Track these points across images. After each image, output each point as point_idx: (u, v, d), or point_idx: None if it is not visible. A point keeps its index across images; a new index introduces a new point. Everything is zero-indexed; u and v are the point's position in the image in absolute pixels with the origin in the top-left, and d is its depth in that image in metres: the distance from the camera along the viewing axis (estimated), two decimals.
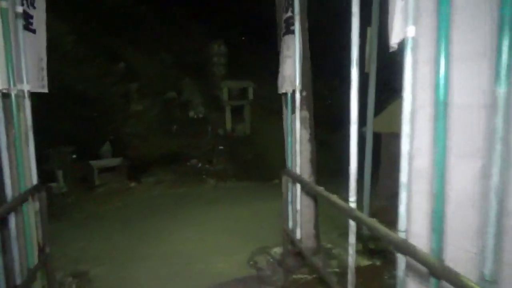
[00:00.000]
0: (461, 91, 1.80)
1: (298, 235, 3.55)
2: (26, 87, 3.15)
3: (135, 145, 11.27)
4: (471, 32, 1.78)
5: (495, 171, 1.40)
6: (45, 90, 3.54)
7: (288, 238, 3.76)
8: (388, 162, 6.18)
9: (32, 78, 3.26)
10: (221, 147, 12.24)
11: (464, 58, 1.80)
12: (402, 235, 1.87)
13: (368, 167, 4.86)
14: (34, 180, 3.28)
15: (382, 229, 1.89)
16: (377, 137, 5.39)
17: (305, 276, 4.01)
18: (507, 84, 1.36)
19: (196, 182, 10.22)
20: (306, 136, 4.24)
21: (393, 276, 3.71)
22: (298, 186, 3.52)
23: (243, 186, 9.99)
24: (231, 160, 11.72)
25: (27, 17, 3.15)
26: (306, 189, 3.74)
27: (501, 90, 1.36)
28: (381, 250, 4.37)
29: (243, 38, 15.63)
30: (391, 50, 2.09)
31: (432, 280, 1.63)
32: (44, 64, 3.54)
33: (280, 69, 3.98)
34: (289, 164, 3.98)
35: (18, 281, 2.83)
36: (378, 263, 4.21)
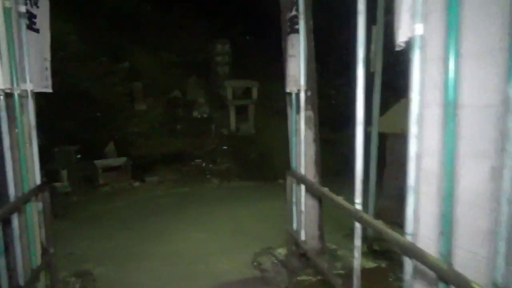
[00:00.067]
0: (470, 90, 1.77)
1: (302, 236, 3.52)
2: (29, 87, 3.13)
3: (139, 144, 11.28)
4: (481, 29, 1.74)
5: (506, 172, 1.36)
6: (49, 90, 3.53)
7: (292, 239, 3.73)
8: (393, 162, 6.13)
9: (36, 78, 3.24)
10: (225, 147, 12.21)
11: (474, 56, 1.76)
12: (409, 238, 1.83)
13: (373, 168, 4.82)
14: (38, 180, 3.26)
15: (389, 232, 1.86)
16: (381, 137, 5.34)
17: (310, 277, 3.98)
18: None
19: (200, 182, 10.21)
20: (311, 136, 4.21)
21: (399, 278, 3.68)
22: (303, 187, 3.48)
23: (247, 185, 9.97)
24: (235, 160, 11.69)
25: (30, 16, 3.14)
26: (310, 190, 3.70)
27: None
28: (386, 251, 4.33)
29: (247, 37, 15.58)
30: (397, 49, 2.05)
31: (441, 285, 1.59)
32: (48, 63, 3.53)
33: (285, 69, 3.94)
34: (293, 164, 3.95)
35: (21, 281, 2.81)
36: (383, 265, 4.17)
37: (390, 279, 3.83)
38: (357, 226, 2.32)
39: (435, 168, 1.91)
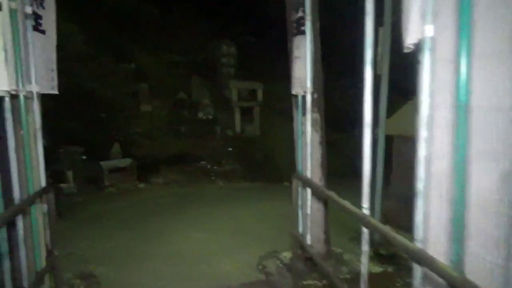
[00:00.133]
0: (481, 93, 1.72)
1: (308, 239, 3.48)
2: (35, 88, 3.13)
3: (144, 145, 11.30)
4: (494, 30, 1.70)
5: None
6: (55, 92, 3.52)
7: (298, 242, 3.69)
8: (400, 165, 6.08)
9: (42, 79, 3.24)
10: (230, 148, 12.21)
11: (485, 58, 1.72)
12: (418, 243, 1.79)
13: (380, 171, 4.77)
14: (43, 181, 3.26)
15: (398, 238, 1.82)
16: (387, 139, 5.29)
17: (315, 282, 3.94)
18: None
19: (204, 183, 10.21)
20: (317, 139, 4.17)
21: (406, 284, 3.63)
22: (309, 190, 3.44)
23: (252, 187, 9.94)
24: (240, 162, 11.68)
25: (36, 17, 3.13)
26: (316, 194, 3.66)
27: None
28: (392, 256, 4.27)
29: (252, 38, 15.56)
30: (406, 51, 2.01)
31: None
32: (54, 65, 3.52)
33: (291, 71, 3.91)
34: (299, 167, 3.91)
35: (26, 284, 2.81)
36: (390, 269, 4.11)
37: (397, 284, 3.77)
38: (365, 231, 2.28)
39: (445, 171, 1.87)
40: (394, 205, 5.71)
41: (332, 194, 2.84)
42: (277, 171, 10.54)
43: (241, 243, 5.32)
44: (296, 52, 3.72)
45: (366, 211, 2.28)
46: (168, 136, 12.11)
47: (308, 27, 3.36)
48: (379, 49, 4.89)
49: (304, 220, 3.62)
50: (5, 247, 2.51)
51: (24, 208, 2.83)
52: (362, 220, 2.25)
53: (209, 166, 11.21)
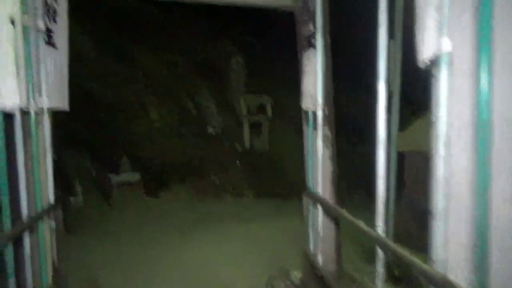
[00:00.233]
0: (502, 106, 1.65)
1: (319, 259, 3.38)
2: (45, 104, 3.13)
3: (153, 159, 11.30)
4: (510, 45, 1.64)
5: None
6: (66, 108, 3.51)
7: (309, 261, 3.59)
8: (413, 182, 5.95)
9: (53, 95, 3.24)
10: (238, 163, 12.15)
11: (503, 72, 1.66)
12: (436, 266, 1.70)
13: (392, 188, 4.66)
14: (51, 197, 3.23)
15: (418, 263, 1.72)
16: (398, 155, 5.19)
17: None
18: None
19: (213, 198, 10.14)
20: (328, 155, 4.09)
21: None
22: (320, 208, 3.36)
23: (261, 203, 9.84)
24: (248, 176, 11.60)
25: (48, 32, 3.15)
26: (328, 212, 3.57)
27: None
28: (407, 277, 4.12)
29: (262, 51, 15.61)
30: (421, 66, 1.95)
31: None
32: (65, 80, 3.52)
33: (301, 85, 3.88)
34: (309, 183, 3.83)
35: None
36: None
37: None
38: (380, 253, 2.19)
39: (465, 192, 1.79)
40: (407, 225, 5.57)
41: (344, 213, 2.76)
42: (286, 186, 10.42)
43: (250, 261, 5.21)
44: (306, 67, 3.69)
45: (381, 231, 2.20)
46: (177, 150, 12.10)
47: (319, 41, 3.34)
48: (390, 63, 4.83)
49: (315, 239, 3.53)
50: (11, 265, 2.47)
51: (31, 225, 2.80)
52: (377, 242, 2.17)
53: (217, 181, 11.15)
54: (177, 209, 8.93)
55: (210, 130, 13.13)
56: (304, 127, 4.29)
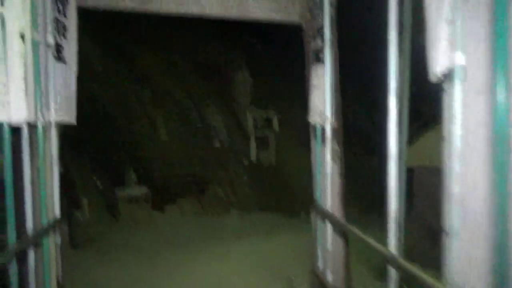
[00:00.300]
0: None
1: (328, 277, 3.29)
2: (53, 118, 3.12)
3: (160, 173, 11.29)
4: None
5: None
6: (73, 122, 3.51)
7: (317, 278, 3.50)
8: (422, 198, 5.86)
9: (60, 109, 3.24)
10: (245, 177, 12.09)
11: None
12: None
13: (401, 205, 4.56)
14: (57, 211, 3.20)
15: (433, 283, 1.65)
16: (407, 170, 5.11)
17: None
18: None
19: (219, 212, 10.06)
20: (336, 169, 4.03)
21: None
22: (329, 224, 3.29)
23: (267, 217, 9.75)
24: (255, 190, 11.52)
25: (58, 48, 3.17)
26: (337, 228, 3.49)
27: None
28: None
29: (269, 65, 15.69)
30: (433, 80, 1.91)
31: None
32: (73, 94, 3.53)
33: (308, 100, 3.84)
34: (317, 198, 3.77)
35: None
36: None
37: None
38: (392, 272, 2.11)
39: (482, 210, 1.72)
40: (416, 242, 5.46)
41: (354, 229, 2.69)
42: (293, 201, 10.33)
43: (256, 276, 5.12)
44: (314, 81, 3.66)
45: (393, 250, 2.13)
46: (184, 164, 12.09)
47: (327, 55, 3.32)
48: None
49: (324, 255, 3.45)
50: (15, 280, 2.43)
51: (36, 240, 2.76)
52: (390, 261, 2.10)
53: (223, 195, 11.08)
54: (183, 223, 8.88)
55: (217, 143, 13.13)
56: (312, 142, 4.24)
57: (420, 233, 5.65)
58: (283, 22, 4.18)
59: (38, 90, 2.83)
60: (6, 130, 2.42)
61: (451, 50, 1.69)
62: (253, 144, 13.26)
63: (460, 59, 1.63)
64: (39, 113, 2.86)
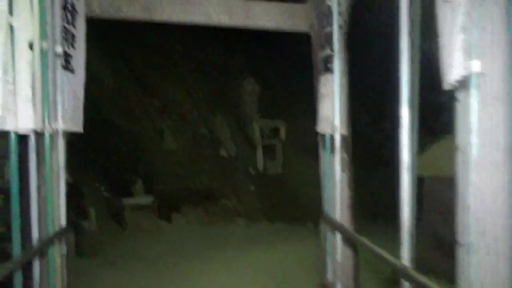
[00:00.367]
0: None
1: None
2: (60, 127, 3.11)
3: (166, 182, 11.26)
4: None
5: None
6: (80, 130, 3.51)
7: None
8: (432, 208, 5.75)
9: (68, 117, 3.24)
10: (252, 187, 12.03)
11: None
12: None
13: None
14: (63, 220, 3.17)
15: None
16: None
17: None
18: None
19: (226, 222, 9.99)
20: (345, 179, 3.96)
21: None
22: (338, 235, 3.22)
23: (275, 227, 9.66)
24: (262, 200, 11.45)
25: (66, 57, 3.18)
26: (347, 239, 3.42)
27: None
28: None
29: (275, 75, 15.72)
30: (448, 88, 1.87)
31: None
32: (80, 103, 3.54)
33: (317, 109, 3.80)
34: (326, 209, 3.70)
35: None
36: None
37: None
38: (405, 285, 2.04)
39: (500, 221, 1.66)
40: (425, 250, 5.35)
41: (365, 241, 2.63)
42: (300, 211, 10.23)
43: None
44: (323, 90, 3.62)
45: (406, 262, 2.06)
46: (190, 173, 12.06)
47: (336, 64, 3.29)
48: None
49: (333, 267, 3.37)
50: None
51: (41, 250, 2.73)
52: (402, 273, 2.03)
53: (231, 205, 11.02)
54: (190, 233, 8.82)
55: (223, 153, 13.10)
56: (321, 151, 4.19)
57: (429, 242, 5.54)
58: (291, 31, 4.16)
59: (46, 98, 2.83)
60: (13, 138, 2.40)
61: (467, 57, 1.65)
62: (259, 154, 13.21)
63: (476, 66, 1.59)
64: (46, 122, 2.85)
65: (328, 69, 3.49)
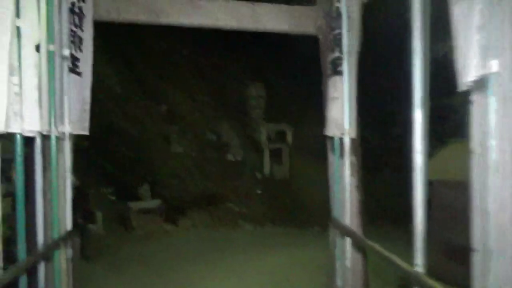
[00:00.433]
0: None
1: None
2: (67, 129, 3.10)
3: (173, 186, 11.25)
4: None
5: None
6: (86, 132, 3.49)
7: None
8: (442, 212, 5.65)
9: (74, 120, 3.22)
10: (258, 191, 11.97)
11: None
12: None
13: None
14: (69, 224, 3.14)
15: None
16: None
17: None
18: None
19: (233, 227, 9.94)
20: (354, 183, 3.90)
21: None
22: (348, 240, 3.16)
23: (281, 232, 9.58)
24: (268, 204, 11.38)
25: (73, 60, 3.16)
26: (356, 244, 3.35)
27: None
28: None
29: (282, 79, 15.68)
30: (463, 89, 1.81)
31: None
32: (87, 106, 3.52)
33: (326, 112, 3.75)
34: (335, 213, 3.64)
35: None
36: None
37: None
38: None
39: None
40: (435, 258, 5.25)
41: (376, 246, 2.56)
42: (307, 215, 10.16)
43: None
44: (332, 93, 3.57)
45: (419, 269, 2.00)
46: (197, 177, 12.04)
47: (345, 67, 3.24)
48: None
49: (343, 272, 3.31)
50: None
51: (47, 254, 2.70)
52: (415, 280, 1.97)
53: (237, 209, 10.96)
54: (196, 237, 8.78)
55: (230, 157, 13.07)
56: (329, 155, 4.13)
57: (439, 247, 5.44)
58: (299, 34, 4.12)
59: (53, 101, 2.81)
60: (19, 140, 2.38)
61: (484, 57, 1.59)
62: (266, 158, 13.16)
63: (494, 66, 1.53)
64: (53, 124, 2.83)
65: (337, 72, 3.44)
